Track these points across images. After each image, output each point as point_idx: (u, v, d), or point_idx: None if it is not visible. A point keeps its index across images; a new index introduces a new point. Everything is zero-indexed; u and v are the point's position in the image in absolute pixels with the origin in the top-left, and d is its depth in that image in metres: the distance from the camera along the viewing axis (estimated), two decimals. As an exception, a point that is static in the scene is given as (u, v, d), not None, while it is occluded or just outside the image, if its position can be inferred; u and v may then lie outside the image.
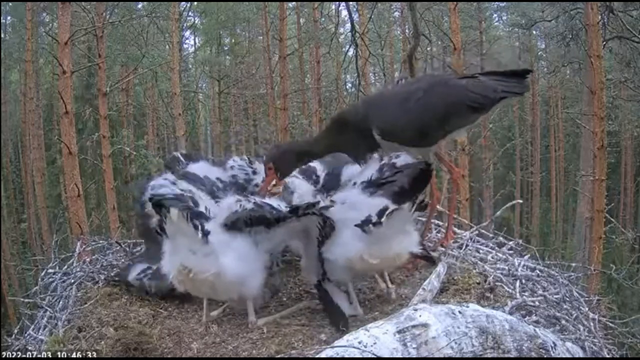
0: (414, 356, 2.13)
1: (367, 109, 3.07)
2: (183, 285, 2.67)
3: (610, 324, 2.94)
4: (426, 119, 2.95)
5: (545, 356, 2.25)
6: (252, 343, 2.58)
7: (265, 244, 2.68)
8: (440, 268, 2.96)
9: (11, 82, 20.54)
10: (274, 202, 2.72)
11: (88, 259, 3.56)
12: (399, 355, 2.11)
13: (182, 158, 3.36)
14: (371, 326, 2.22)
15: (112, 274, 3.32)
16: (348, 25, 9.33)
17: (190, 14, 20.20)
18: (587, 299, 2.98)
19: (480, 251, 3.41)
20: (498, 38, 22.37)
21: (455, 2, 11.23)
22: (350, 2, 8.61)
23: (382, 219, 2.53)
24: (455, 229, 3.73)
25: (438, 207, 4.04)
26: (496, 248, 3.45)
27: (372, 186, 2.73)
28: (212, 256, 2.53)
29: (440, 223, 3.79)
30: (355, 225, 2.61)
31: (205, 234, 2.46)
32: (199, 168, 3.21)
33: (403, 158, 2.91)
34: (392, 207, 2.55)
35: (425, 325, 2.19)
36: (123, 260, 3.59)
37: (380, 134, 2.92)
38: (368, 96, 3.19)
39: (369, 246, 2.62)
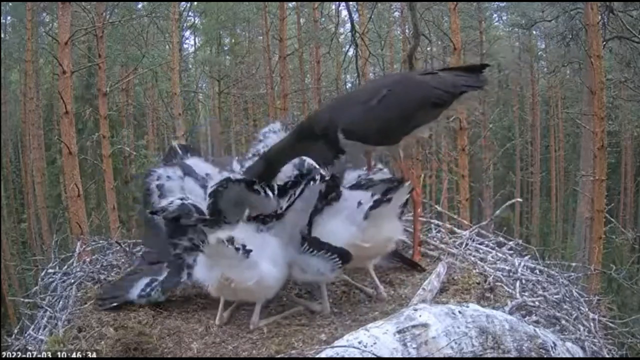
0: (414, 356, 2.13)
1: (330, 111, 3.11)
2: (220, 293, 2.73)
3: (610, 324, 2.94)
4: (390, 116, 2.98)
5: (545, 356, 2.25)
6: (252, 343, 2.58)
7: (282, 235, 2.75)
8: (440, 268, 2.96)
9: (11, 82, 20.54)
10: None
11: (88, 259, 3.56)
12: (399, 355, 2.11)
13: (179, 150, 3.46)
14: (371, 326, 2.22)
15: (103, 297, 2.97)
16: (348, 25, 9.34)
17: (190, 14, 20.21)
18: (587, 299, 2.99)
19: (480, 251, 3.42)
20: (498, 38, 22.37)
21: (455, 2, 11.22)
22: (350, 2, 8.60)
23: (384, 201, 2.61)
24: (456, 229, 3.73)
25: (437, 207, 4.05)
26: (496, 248, 3.45)
27: (357, 187, 2.87)
28: (252, 266, 2.60)
29: (440, 223, 3.79)
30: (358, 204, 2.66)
31: (247, 252, 2.54)
32: (194, 163, 3.32)
33: (382, 174, 3.03)
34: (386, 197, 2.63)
35: (425, 325, 2.19)
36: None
37: (344, 135, 2.93)
38: (332, 99, 3.22)
39: (362, 231, 2.67)
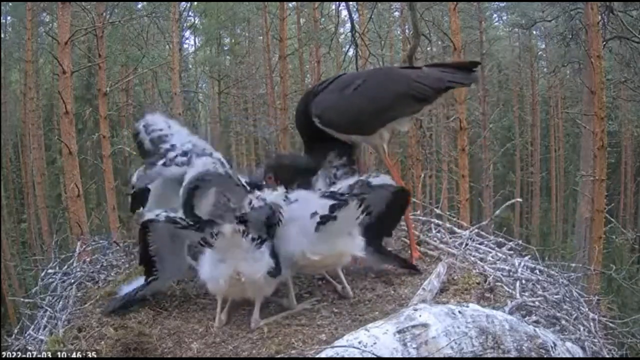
0: (414, 356, 2.13)
1: (309, 97, 3.13)
2: (227, 290, 2.69)
3: (610, 324, 2.94)
4: (363, 105, 2.99)
5: (545, 356, 2.25)
6: (252, 343, 2.58)
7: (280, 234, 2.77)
8: (440, 268, 2.96)
9: (11, 82, 20.53)
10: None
11: (88, 259, 3.56)
12: (399, 355, 2.11)
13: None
14: (371, 326, 2.22)
15: (114, 307, 2.91)
16: (348, 25, 9.32)
17: (190, 14, 20.20)
18: (587, 299, 2.99)
19: (480, 251, 3.42)
20: (498, 38, 22.35)
21: (455, 2, 11.23)
22: (350, 2, 8.60)
23: (333, 214, 2.50)
24: (456, 229, 3.73)
25: (437, 210, 4.05)
26: (496, 248, 3.45)
27: (351, 193, 2.74)
28: (261, 258, 2.62)
29: (440, 222, 3.79)
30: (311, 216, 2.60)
31: (262, 241, 2.57)
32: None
33: (381, 178, 2.90)
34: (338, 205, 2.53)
35: (425, 325, 2.19)
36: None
37: (319, 121, 2.96)
38: (313, 86, 3.24)
39: (313, 243, 2.63)
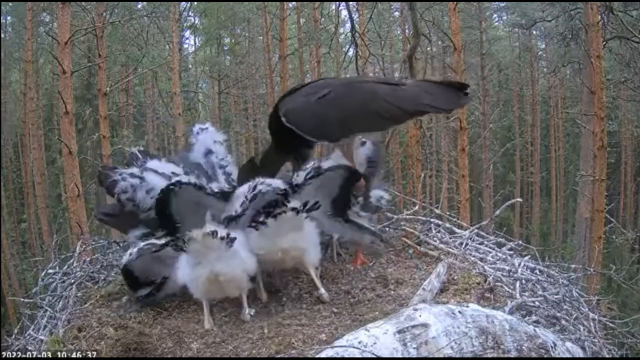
0: (414, 356, 2.13)
1: (281, 97, 3.22)
2: (206, 292, 2.79)
3: (610, 324, 2.94)
4: (326, 114, 2.99)
5: (545, 356, 2.25)
6: (252, 343, 2.58)
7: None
8: (440, 268, 2.96)
9: (11, 82, 20.52)
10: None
11: (88, 259, 3.56)
12: (399, 355, 2.11)
13: (140, 155, 3.56)
14: (371, 326, 2.22)
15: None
16: (348, 25, 9.31)
17: (190, 14, 20.20)
18: (587, 299, 2.98)
19: (480, 251, 3.41)
20: (498, 38, 22.35)
21: (455, 2, 11.22)
22: (350, 2, 8.59)
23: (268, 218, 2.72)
24: (456, 229, 3.73)
25: (436, 210, 4.04)
26: (496, 248, 3.45)
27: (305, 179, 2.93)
28: (235, 256, 2.74)
29: (440, 223, 3.79)
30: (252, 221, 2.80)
31: (232, 241, 2.68)
32: (156, 165, 3.39)
33: (330, 161, 3.10)
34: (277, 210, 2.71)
35: (425, 325, 2.20)
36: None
37: (285, 118, 2.98)
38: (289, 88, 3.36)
39: (255, 239, 2.81)
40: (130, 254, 2.97)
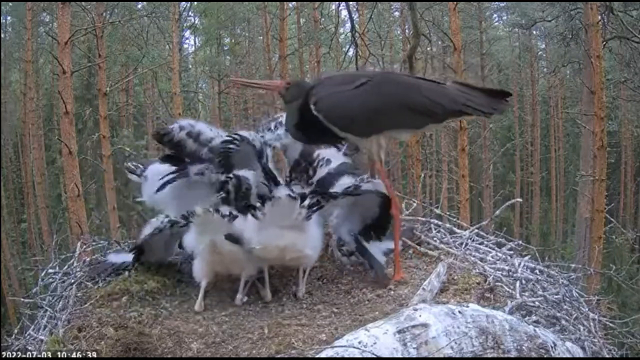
0: (414, 356, 2.13)
1: (314, 82, 3.09)
2: (207, 262, 2.96)
3: (610, 324, 2.94)
4: (356, 106, 2.85)
5: (545, 356, 2.25)
6: (252, 343, 2.58)
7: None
8: (440, 268, 2.96)
9: (11, 82, 20.52)
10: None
11: (88, 259, 3.56)
12: (399, 355, 2.11)
13: (139, 164, 3.63)
14: (371, 326, 2.22)
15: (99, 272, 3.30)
16: (348, 25, 9.31)
17: (190, 14, 20.19)
18: (587, 299, 2.98)
19: (480, 251, 3.41)
20: (498, 38, 22.35)
21: (455, 2, 11.23)
22: (350, 2, 8.59)
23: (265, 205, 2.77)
24: (456, 229, 3.73)
25: (437, 210, 4.04)
26: (496, 248, 3.45)
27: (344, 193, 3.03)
28: (232, 227, 2.85)
29: (440, 223, 3.79)
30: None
31: (233, 218, 2.84)
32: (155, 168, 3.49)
33: (369, 185, 3.09)
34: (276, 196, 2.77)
35: (425, 325, 2.20)
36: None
37: (315, 108, 2.87)
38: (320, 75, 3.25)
39: (256, 231, 2.83)
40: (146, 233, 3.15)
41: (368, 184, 3.10)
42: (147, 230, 3.21)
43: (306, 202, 2.78)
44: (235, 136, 3.14)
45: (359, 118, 2.88)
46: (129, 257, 3.31)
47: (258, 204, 2.82)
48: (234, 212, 2.87)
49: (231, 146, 3.12)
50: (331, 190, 3.11)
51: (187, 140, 3.23)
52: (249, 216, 2.88)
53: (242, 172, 3.07)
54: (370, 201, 3.11)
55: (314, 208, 2.81)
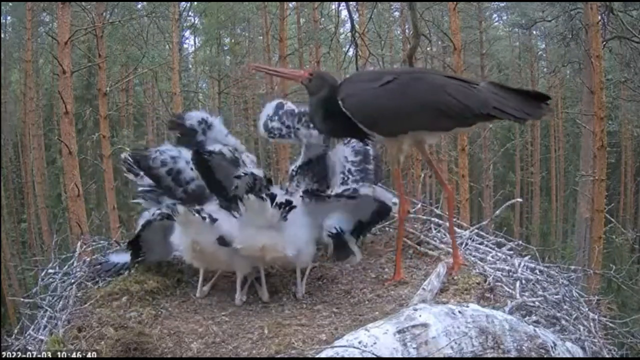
0: (414, 356, 2.13)
1: (346, 78, 3.09)
2: (191, 257, 3.06)
3: (610, 324, 2.94)
4: (382, 104, 2.77)
5: (545, 356, 2.25)
6: (252, 343, 2.58)
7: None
8: (440, 268, 2.96)
9: (11, 82, 20.52)
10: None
11: (88, 259, 3.55)
12: (399, 355, 2.11)
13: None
14: (371, 326, 2.22)
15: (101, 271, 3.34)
16: (348, 25, 9.29)
17: (190, 14, 20.19)
18: (587, 299, 2.98)
19: (480, 251, 3.41)
20: (498, 38, 22.35)
21: (455, 2, 11.22)
22: (350, 2, 8.58)
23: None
24: (456, 229, 3.72)
25: (436, 210, 4.04)
26: (496, 248, 3.45)
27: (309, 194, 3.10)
28: (213, 232, 2.92)
29: (440, 222, 3.79)
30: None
31: (214, 220, 2.89)
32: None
33: (364, 189, 3.09)
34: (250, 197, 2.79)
35: (425, 325, 2.20)
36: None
37: (342, 103, 2.83)
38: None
39: (238, 230, 2.90)
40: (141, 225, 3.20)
41: (367, 188, 3.11)
42: (140, 222, 3.25)
43: (276, 202, 2.79)
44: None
45: (383, 117, 2.80)
46: (128, 257, 3.32)
47: (234, 204, 2.90)
48: (214, 215, 2.91)
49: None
50: (328, 192, 3.13)
51: (165, 177, 3.22)
52: (232, 217, 2.95)
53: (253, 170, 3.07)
54: (367, 206, 3.10)
55: (287, 208, 2.81)
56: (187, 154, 3.21)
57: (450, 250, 3.39)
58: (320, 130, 3.13)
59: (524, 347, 2.23)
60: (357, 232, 3.14)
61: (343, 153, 3.44)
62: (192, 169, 3.18)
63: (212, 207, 3.04)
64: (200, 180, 3.17)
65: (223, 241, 2.92)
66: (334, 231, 3.01)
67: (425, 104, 2.77)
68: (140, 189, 3.41)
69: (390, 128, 2.85)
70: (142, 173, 3.39)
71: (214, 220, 2.91)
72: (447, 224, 3.73)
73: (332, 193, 3.09)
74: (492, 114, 2.74)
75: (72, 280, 3.25)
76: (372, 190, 3.11)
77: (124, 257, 3.36)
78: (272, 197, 2.79)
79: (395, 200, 3.30)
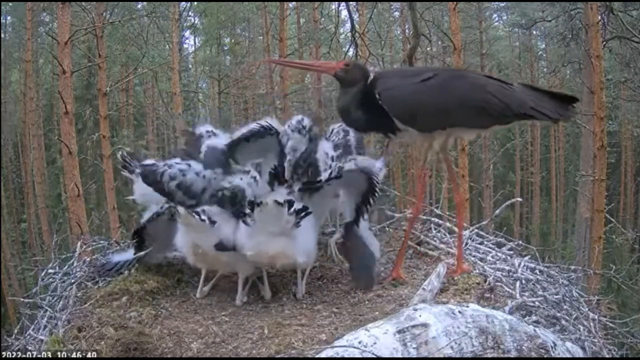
0: (414, 356, 2.13)
1: (380, 73, 3.06)
2: (193, 258, 3.09)
3: (610, 324, 2.94)
4: (422, 100, 2.78)
5: (545, 356, 2.25)
6: (252, 343, 2.58)
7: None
8: (440, 268, 2.96)
9: (11, 82, 20.51)
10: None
11: (88, 259, 3.55)
12: (399, 355, 2.11)
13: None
14: (371, 326, 2.22)
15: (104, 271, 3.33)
16: (348, 25, 9.29)
17: (190, 14, 20.19)
18: (587, 299, 2.99)
19: (480, 251, 3.41)
20: (498, 38, 22.34)
21: (455, 2, 11.22)
22: (350, 2, 8.58)
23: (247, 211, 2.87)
24: (456, 229, 3.72)
25: (436, 210, 4.04)
26: (496, 248, 3.45)
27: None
28: (213, 234, 2.93)
29: (440, 222, 3.79)
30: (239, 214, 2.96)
31: (212, 222, 2.91)
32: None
33: (350, 163, 3.04)
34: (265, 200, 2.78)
35: (425, 325, 2.20)
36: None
37: (379, 97, 2.81)
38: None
39: (247, 238, 2.89)
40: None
41: (350, 162, 3.05)
42: (146, 215, 3.27)
43: (293, 208, 2.78)
44: (266, 125, 3.10)
45: (423, 112, 2.80)
46: (131, 254, 3.32)
47: (248, 211, 2.86)
48: (214, 218, 2.93)
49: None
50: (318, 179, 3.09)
51: (176, 191, 3.16)
52: (241, 222, 2.92)
53: (236, 181, 3.08)
54: (359, 179, 3.05)
55: (302, 214, 2.81)
56: (196, 165, 3.19)
57: (450, 250, 3.40)
58: (348, 122, 3.05)
59: (524, 347, 2.23)
60: (358, 214, 3.11)
61: (324, 149, 3.38)
62: (204, 176, 3.15)
63: (213, 210, 3.01)
64: (212, 186, 3.14)
65: (222, 246, 2.92)
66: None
67: (466, 101, 2.79)
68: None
69: (429, 123, 2.85)
70: (137, 171, 3.38)
71: (212, 222, 2.91)
72: (447, 224, 3.74)
73: (322, 179, 3.04)
74: (530, 114, 2.79)
75: (72, 280, 3.25)
76: (354, 162, 3.05)
77: (127, 255, 3.37)
78: (290, 203, 2.78)
79: (380, 165, 3.30)
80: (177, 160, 3.25)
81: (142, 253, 3.26)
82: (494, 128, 3.08)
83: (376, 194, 3.06)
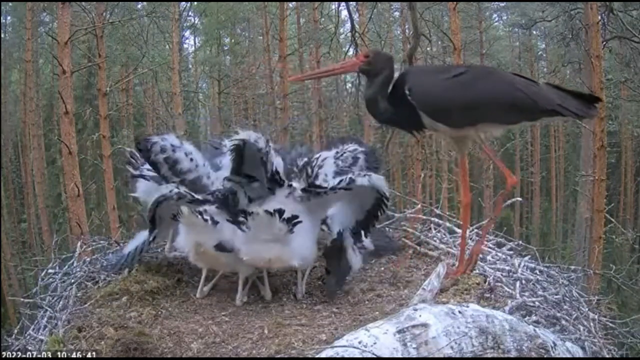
0: (414, 356, 2.12)
1: (408, 69, 3.09)
2: (194, 258, 3.10)
3: (610, 324, 2.94)
4: (452, 96, 2.78)
5: (545, 356, 2.24)
6: (252, 343, 2.58)
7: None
8: (441, 268, 2.96)
9: (11, 82, 20.50)
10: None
11: (88, 259, 3.55)
12: (399, 355, 2.11)
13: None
14: (371, 326, 2.22)
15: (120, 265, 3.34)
16: (348, 25, 9.30)
17: (190, 13, 20.18)
18: (587, 299, 2.99)
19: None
20: (498, 38, 22.34)
21: (455, 2, 11.21)
22: (350, 2, 8.59)
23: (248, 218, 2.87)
24: (456, 229, 3.72)
25: (436, 210, 4.04)
26: (496, 248, 3.45)
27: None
28: (216, 232, 2.96)
29: (440, 222, 3.79)
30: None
31: (215, 222, 2.93)
32: None
33: (366, 178, 3.02)
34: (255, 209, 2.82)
35: (425, 325, 2.19)
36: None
37: (409, 93, 2.79)
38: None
39: (243, 243, 2.92)
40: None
41: (364, 177, 3.03)
42: (155, 194, 3.16)
43: (284, 217, 2.79)
44: (239, 143, 3.00)
45: (455, 108, 2.81)
46: (141, 241, 3.32)
47: (242, 219, 2.89)
48: (216, 218, 2.95)
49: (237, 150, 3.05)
50: (324, 185, 3.10)
51: (162, 164, 3.20)
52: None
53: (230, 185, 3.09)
54: (366, 196, 3.07)
55: (294, 222, 2.82)
56: (189, 146, 3.24)
57: (450, 250, 3.40)
58: (373, 114, 2.99)
59: (524, 347, 2.23)
60: (358, 229, 3.14)
61: (326, 160, 3.44)
62: (191, 160, 3.19)
63: (213, 209, 3.03)
64: (198, 172, 3.20)
65: (222, 247, 2.94)
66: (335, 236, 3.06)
67: (498, 98, 2.83)
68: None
69: (460, 119, 2.86)
70: (141, 167, 3.39)
71: (215, 222, 2.93)
72: (447, 224, 3.74)
73: (329, 186, 3.03)
74: (557, 110, 2.84)
75: (72, 280, 3.25)
76: (368, 179, 3.03)
77: (140, 238, 3.36)
78: (280, 213, 2.80)
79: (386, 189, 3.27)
80: (174, 137, 3.30)
81: (157, 230, 3.25)
82: (523, 124, 3.14)
83: (383, 215, 3.12)
